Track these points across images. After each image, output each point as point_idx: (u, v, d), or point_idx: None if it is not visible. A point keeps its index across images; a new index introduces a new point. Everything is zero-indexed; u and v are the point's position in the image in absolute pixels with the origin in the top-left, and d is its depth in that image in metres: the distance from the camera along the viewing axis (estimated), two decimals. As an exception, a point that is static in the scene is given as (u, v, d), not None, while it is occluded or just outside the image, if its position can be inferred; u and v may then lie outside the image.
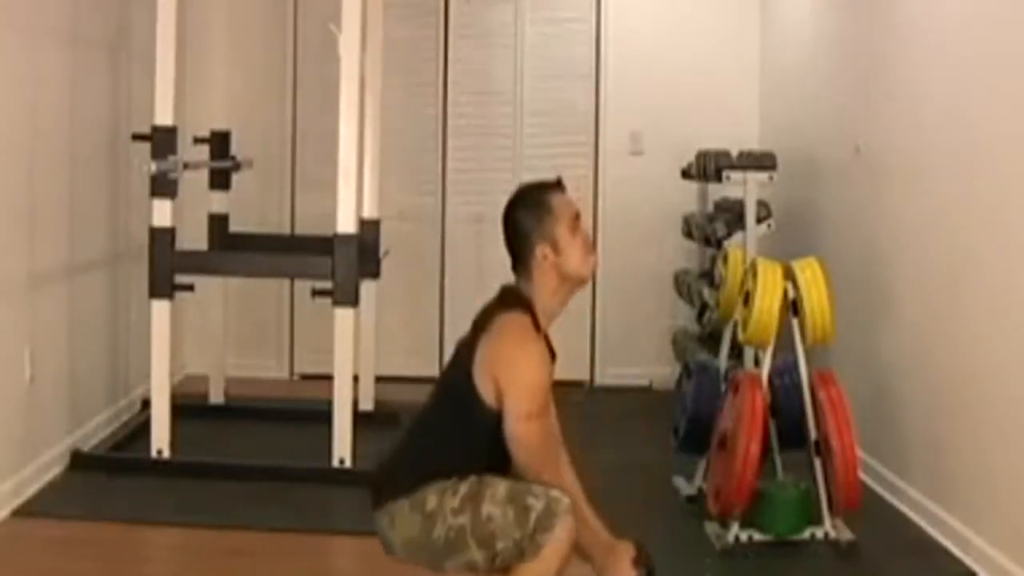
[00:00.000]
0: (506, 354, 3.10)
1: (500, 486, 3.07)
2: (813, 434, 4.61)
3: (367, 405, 6.34)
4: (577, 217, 3.23)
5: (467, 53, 7.51)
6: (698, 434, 4.99)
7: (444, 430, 3.19)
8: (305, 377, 7.46)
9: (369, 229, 6.24)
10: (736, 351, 5.36)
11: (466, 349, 3.17)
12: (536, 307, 3.17)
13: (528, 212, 3.20)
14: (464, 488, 3.08)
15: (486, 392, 3.09)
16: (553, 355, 3.20)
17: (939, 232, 4.82)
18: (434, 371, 7.08)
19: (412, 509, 3.11)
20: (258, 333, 7.51)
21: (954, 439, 4.66)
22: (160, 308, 5.38)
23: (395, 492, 3.16)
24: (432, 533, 3.08)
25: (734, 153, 6.17)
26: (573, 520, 3.05)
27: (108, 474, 5.34)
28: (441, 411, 3.24)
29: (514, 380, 3.07)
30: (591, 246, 3.26)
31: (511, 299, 3.19)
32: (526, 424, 3.06)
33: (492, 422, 3.09)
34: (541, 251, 3.16)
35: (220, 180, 6.43)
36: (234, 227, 6.48)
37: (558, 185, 3.26)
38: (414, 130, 7.48)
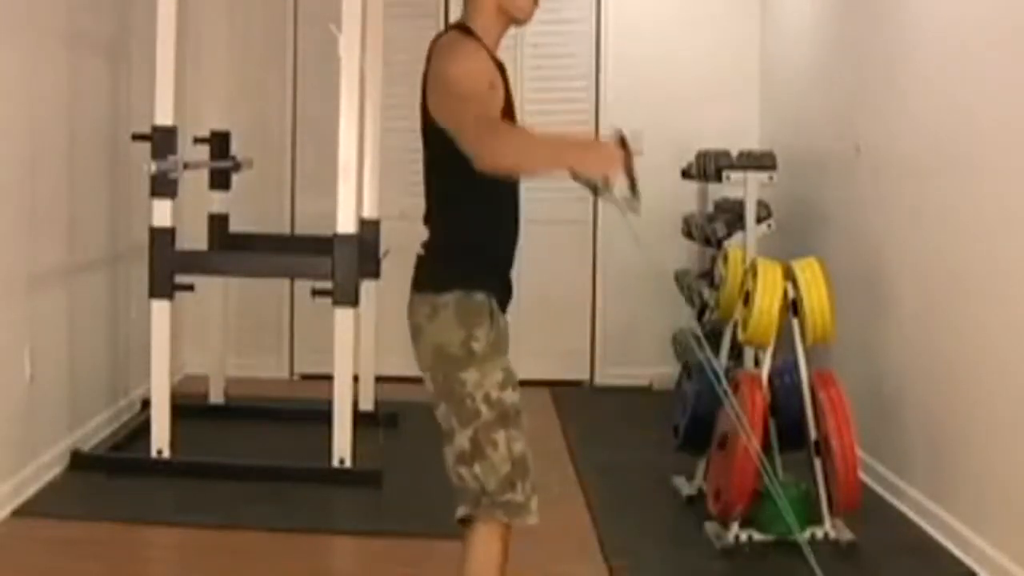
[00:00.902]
0: (443, 70, 3.09)
1: (520, 443, 3.04)
2: (813, 434, 4.62)
3: (367, 405, 6.34)
4: None
5: (467, 53, 7.50)
6: (698, 434, 4.99)
7: (448, 184, 3.17)
8: (305, 377, 7.46)
9: (369, 229, 6.24)
10: (736, 351, 5.36)
11: (423, 91, 3.16)
12: (478, 35, 3.15)
13: None
14: (510, 393, 3.03)
15: (440, 115, 3.08)
16: (502, 68, 3.18)
17: (939, 232, 4.82)
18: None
19: (459, 322, 3.06)
20: (258, 333, 7.51)
21: (954, 439, 4.66)
22: (160, 308, 5.38)
23: (443, 278, 3.11)
24: (460, 372, 3.05)
25: (734, 153, 6.17)
26: (508, 538, 3.04)
27: (108, 474, 5.34)
28: (436, 168, 3.23)
29: (448, 81, 3.05)
30: None
31: (450, 27, 3.20)
32: (480, 147, 2.95)
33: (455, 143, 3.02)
34: None
35: (220, 180, 6.44)
36: (234, 227, 6.48)
37: None
38: (414, 130, 7.43)
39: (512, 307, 3.25)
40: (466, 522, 3.07)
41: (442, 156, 3.14)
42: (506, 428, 3.03)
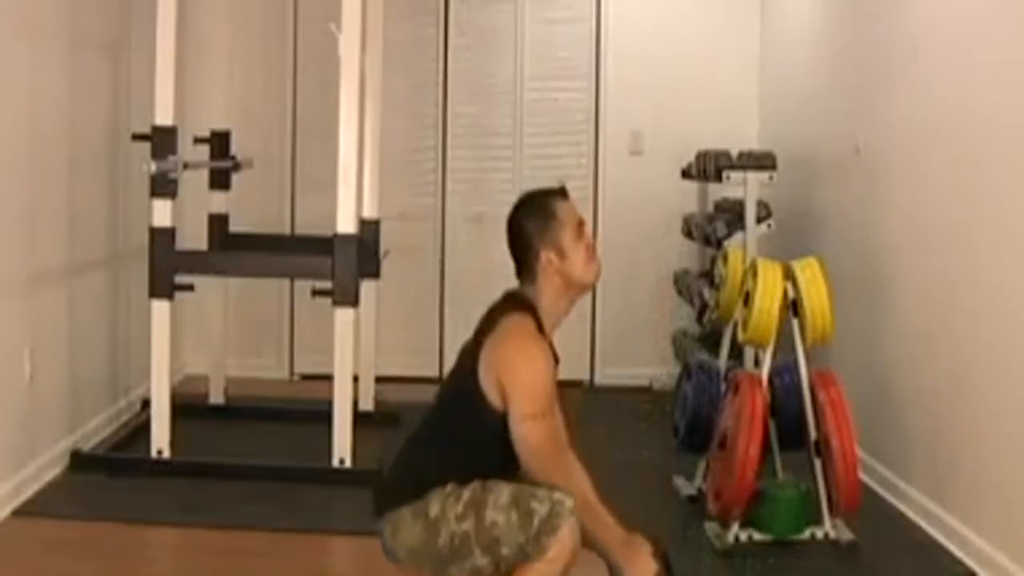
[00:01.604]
0: (510, 355, 3.12)
1: (504, 491, 3.08)
2: (813, 434, 4.61)
3: (367, 405, 6.34)
4: (581, 224, 3.27)
5: (467, 53, 7.52)
6: (698, 434, 5.00)
7: (450, 435, 3.20)
8: (305, 377, 7.46)
9: (369, 229, 6.23)
10: (736, 351, 5.36)
11: (469, 353, 3.19)
12: (540, 311, 3.20)
13: (533, 218, 3.23)
14: (467, 494, 3.09)
15: (491, 394, 3.11)
16: (556, 359, 3.21)
17: (939, 232, 4.82)
18: (434, 371, 7.11)
19: (415, 517, 3.12)
20: (258, 333, 7.50)
21: (954, 439, 4.66)
22: (160, 308, 5.38)
23: (398, 500, 3.17)
24: (436, 541, 3.09)
25: (734, 153, 6.17)
26: (576, 522, 3.07)
27: (108, 474, 5.34)
28: (446, 416, 3.25)
29: (518, 381, 3.09)
30: (594, 252, 3.28)
31: (515, 303, 3.21)
32: (531, 424, 3.07)
33: (497, 424, 3.10)
34: (546, 256, 3.19)
35: (220, 180, 6.43)
36: (234, 227, 6.48)
37: (562, 192, 3.30)
38: (414, 130, 7.48)
39: (512, 307, 3.25)
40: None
41: (463, 413, 3.19)
42: (485, 506, 3.06)
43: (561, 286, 3.22)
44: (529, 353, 3.12)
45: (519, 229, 3.24)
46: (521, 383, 3.09)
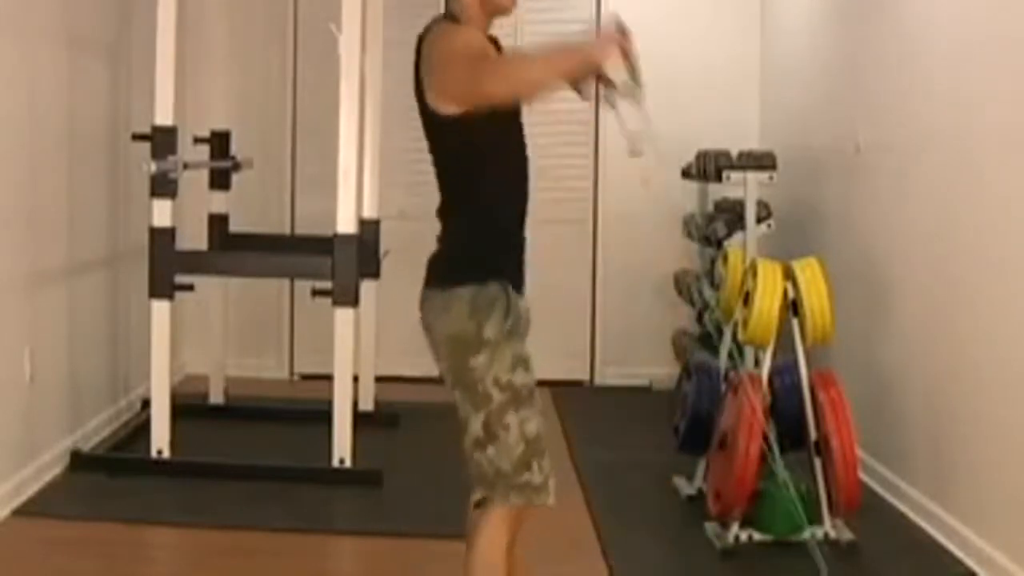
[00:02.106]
0: (436, 49, 3.08)
1: (534, 423, 3.05)
2: (813, 434, 4.62)
3: (367, 405, 6.34)
4: None
5: (467, 53, 7.50)
6: (698, 434, 4.99)
7: (454, 171, 3.18)
8: (305, 377, 7.46)
9: (369, 229, 6.24)
10: (736, 351, 5.36)
11: (417, 87, 3.15)
12: (464, 23, 3.15)
13: None
14: (520, 375, 3.05)
15: (444, 107, 3.07)
16: (498, 47, 3.15)
17: (939, 232, 4.82)
18: (434, 371, 7.09)
19: (471, 315, 3.08)
20: (258, 333, 7.51)
21: (954, 439, 4.66)
22: (160, 308, 5.38)
23: (454, 274, 3.15)
24: (472, 358, 3.06)
25: (734, 153, 6.17)
26: (521, 517, 3.06)
27: (108, 474, 5.34)
28: (441, 164, 3.22)
29: (437, 61, 3.04)
30: None
31: (437, 19, 3.19)
32: (473, 83, 2.96)
33: (458, 128, 3.06)
34: None
35: (220, 180, 6.43)
36: (234, 227, 6.48)
37: None
38: (414, 130, 7.43)
39: (512, 307, 3.25)
40: (481, 505, 3.08)
41: (445, 147, 3.16)
42: (518, 410, 3.04)
43: (476, 3, 3.16)
44: (447, 33, 3.08)
45: None
46: (438, 61, 3.04)
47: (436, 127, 3.14)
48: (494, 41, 3.18)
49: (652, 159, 3.03)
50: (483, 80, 2.96)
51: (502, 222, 3.19)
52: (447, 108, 3.06)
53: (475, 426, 3.06)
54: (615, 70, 2.99)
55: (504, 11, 3.22)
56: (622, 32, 3.02)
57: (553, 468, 3.09)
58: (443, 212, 3.25)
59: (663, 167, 2.88)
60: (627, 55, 3.02)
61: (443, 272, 3.20)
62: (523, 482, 3.03)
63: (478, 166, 3.10)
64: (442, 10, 3.30)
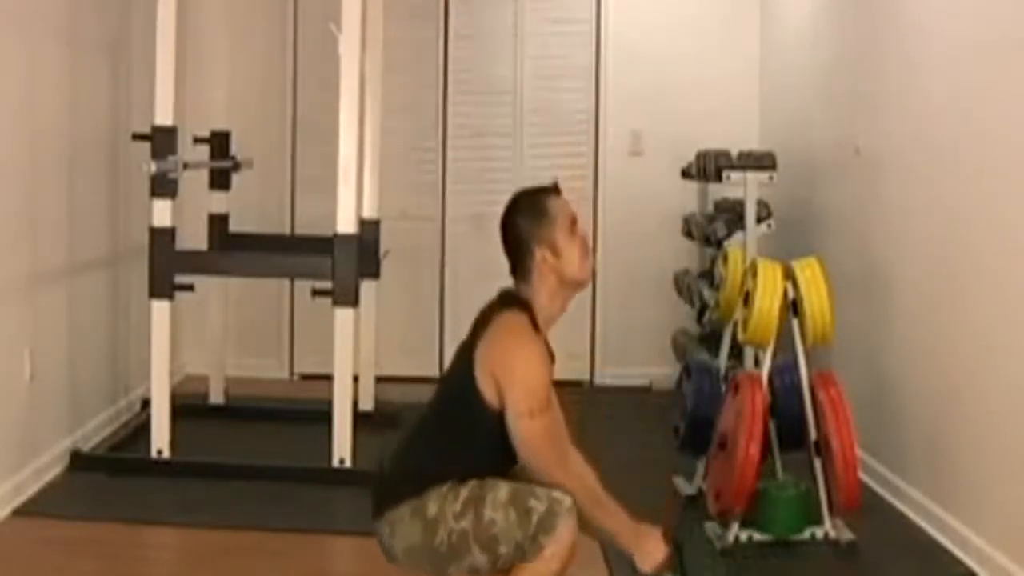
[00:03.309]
0: (505, 352, 3.12)
1: (501, 489, 3.08)
2: (813, 434, 4.61)
3: (367, 405, 6.34)
4: (574, 221, 3.25)
5: (467, 53, 7.52)
6: (698, 434, 4.99)
7: (447, 435, 3.20)
8: (305, 377, 7.46)
9: (369, 229, 6.23)
10: (736, 351, 5.36)
11: (466, 351, 3.19)
12: (535, 309, 3.19)
13: (526, 216, 3.22)
14: (465, 492, 3.09)
15: (487, 392, 3.11)
16: (552, 357, 3.21)
17: (939, 232, 4.82)
18: (434, 371, 7.11)
19: (413, 516, 3.11)
20: (258, 333, 7.51)
21: (954, 439, 4.66)
22: (160, 308, 5.38)
23: (395, 499, 3.16)
24: (434, 539, 3.09)
25: (734, 153, 6.17)
26: (575, 520, 3.07)
27: (108, 474, 5.34)
28: (443, 414, 3.24)
29: (514, 378, 3.08)
30: (589, 249, 3.28)
31: (510, 300, 3.21)
32: (528, 421, 3.07)
33: (494, 423, 3.10)
34: (540, 254, 3.19)
35: (220, 180, 6.43)
36: (234, 227, 6.48)
37: (555, 189, 3.29)
38: (414, 130, 7.48)
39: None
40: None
41: (461, 412, 3.18)
42: (483, 504, 3.06)
43: (556, 284, 3.21)
44: (524, 350, 3.12)
45: (513, 227, 3.23)
46: (517, 381, 3.08)
47: (469, 397, 3.14)
48: (548, 347, 3.21)
49: None
50: (548, 465, 3.12)
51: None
52: (492, 399, 3.11)
53: (481, 557, 3.07)
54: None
55: (581, 287, 3.28)
56: (670, 540, 3.19)
57: (545, 488, 3.09)
58: (417, 455, 3.25)
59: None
60: (672, 567, 3.19)
61: (385, 498, 3.20)
62: (536, 524, 3.03)
63: (480, 447, 3.14)
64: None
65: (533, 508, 3.04)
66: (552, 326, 3.26)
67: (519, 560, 3.05)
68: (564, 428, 3.32)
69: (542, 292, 3.20)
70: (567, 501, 3.06)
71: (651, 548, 3.16)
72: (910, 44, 5.16)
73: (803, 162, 6.44)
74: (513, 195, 3.32)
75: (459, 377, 3.18)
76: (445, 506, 3.08)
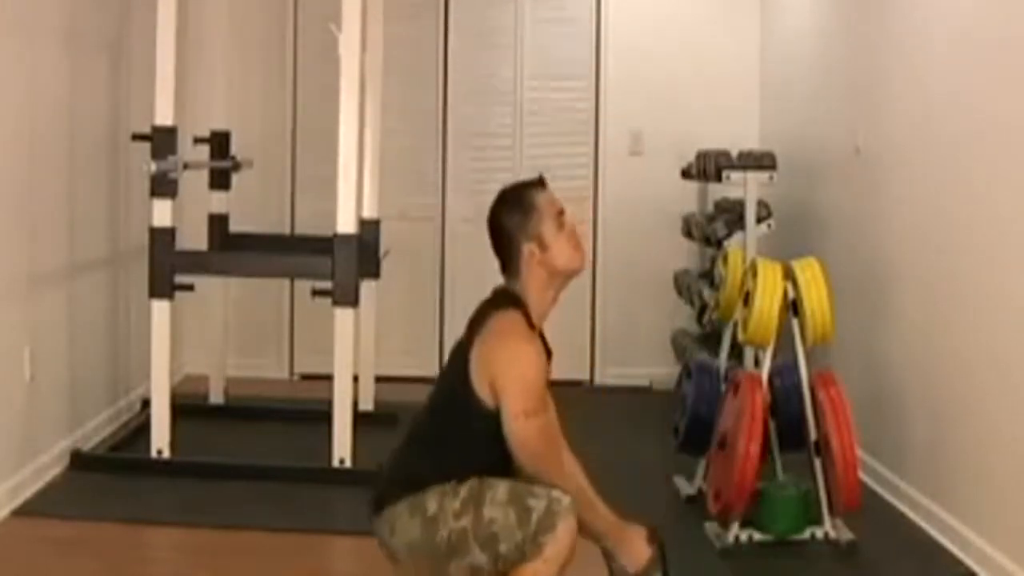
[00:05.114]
0: (500, 352, 3.11)
1: (500, 487, 3.08)
2: (813, 434, 4.62)
3: (367, 405, 6.34)
4: (561, 212, 3.24)
5: (467, 53, 7.52)
6: (698, 434, 5.00)
7: (444, 435, 3.20)
8: (305, 377, 7.46)
9: (369, 229, 6.23)
10: (736, 351, 5.36)
11: (461, 351, 3.19)
12: (528, 305, 3.19)
13: (511, 212, 3.22)
14: (464, 491, 3.09)
15: (483, 392, 3.11)
16: (549, 352, 3.21)
17: (939, 232, 4.82)
18: (434, 371, 7.08)
19: (412, 514, 3.11)
20: (258, 333, 7.51)
21: (954, 439, 4.66)
22: (160, 308, 5.38)
23: (393, 498, 3.16)
24: (434, 537, 3.09)
25: (734, 153, 6.17)
26: (575, 519, 3.07)
27: (108, 474, 5.34)
28: (439, 415, 3.24)
29: (509, 378, 3.08)
30: (578, 239, 3.26)
31: (503, 299, 3.21)
32: (524, 422, 3.07)
33: (491, 422, 3.10)
34: (528, 249, 3.18)
35: (220, 180, 6.43)
36: (234, 227, 6.48)
37: (540, 183, 3.28)
38: (414, 130, 7.48)
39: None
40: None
41: (457, 414, 3.17)
42: (483, 503, 3.06)
43: (546, 277, 3.20)
44: (519, 350, 3.11)
45: (499, 225, 3.23)
46: (512, 381, 3.08)
47: (464, 397, 3.14)
48: (544, 341, 3.21)
49: None
50: (543, 465, 3.11)
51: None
52: (488, 399, 3.11)
53: (480, 556, 3.07)
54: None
55: (573, 276, 3.27)
56: (655, 542, 3.20)
57: (544, 487, 3.09)
58: (415, 457, 3.25)
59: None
60: (657, 569, 3.21)
61: (383, 498, 3.21)
62: (535, 523, 3.03)
63: (478, 445, 3.14)
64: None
65: (532, 507, 3.04)
66: (548, 321, 3.25)
67: (519, 559, 3.05)
68: (559, 428, 3.31)
69: (532, 287, 3.20)
70: (566, 500, 3.06)
71: (637, 549, 3.18)
72: (910, 44, 5.16)
73: (803, 162, 6.44)
74: (498, 192, 3.31)
75: (455, 378, 3.17)
76: (445, 504, 3.08)
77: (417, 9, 7.46)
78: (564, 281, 3.25)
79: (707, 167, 6.29)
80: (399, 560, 3.20)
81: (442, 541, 3.08)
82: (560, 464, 3.20)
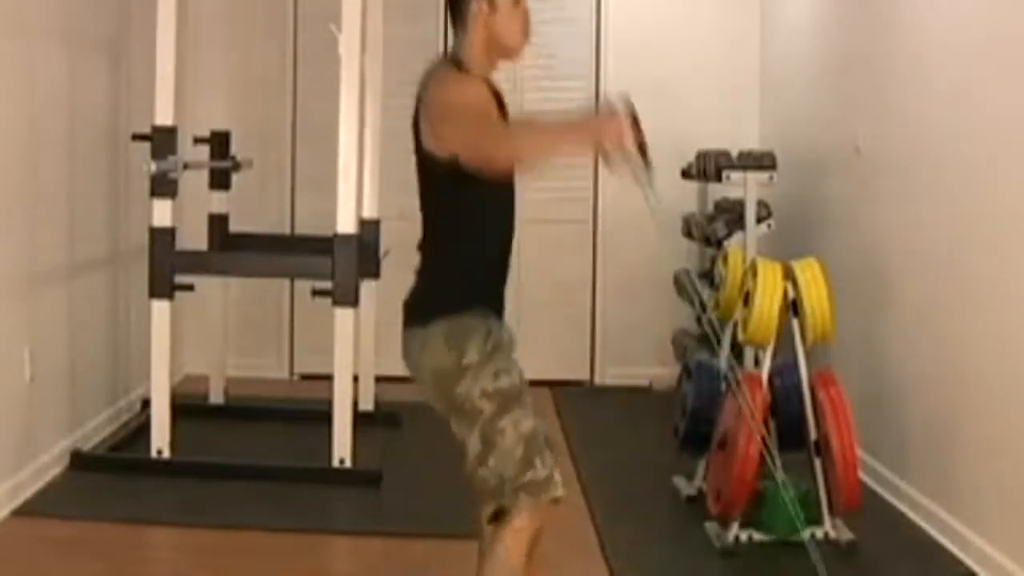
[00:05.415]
0: (438, 96, 3.09)
1: (528, 421, 3.06)
2: (813, 434, 4.62)
3: (367, 405, 6.34)
4: None
5: (467, 53, 7.51)
6: (698, 434, 5.00)
7: (442, 214, 3.21)
8: (305, 377, 7.46)
9: (369, 229, 6.24)
10: (736, 351, 5.36)
11: (414, 125, 3.16)
12: (468, 65, 3.16)
13: None
14: (505, 380, 3.06)
15: (439, 148, 3.08)
16: (499, 98, 3.16)
17: (939, 232, 4.82)
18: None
19: (449, 347, 3.08)
20: (258, 333, 7.51)
21: (954, 439, 4.66)
22: (160, 308, 5.38)
23: (426, 315, 3.13)
24: (456, 386, 3.06)
25: (734, 153, 6.17)
26: (544, 514, 3.06)
27: (108, 474, 5.34)
28: (429, 201, 3.24)
29: (447, 107, 3.05)
30: (529, 25, 3.22)
31: (440, 64, 3.21)
32: (455, 129, 3.02)
33: (459, 174, 3.04)
34: (477, 5, 3.15)
35: (220, 180, 6.43)
36: (234, 227, 6.48)
37: None
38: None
39: (513, 306, 3.25)
40: (495, 520, 3.07)
41: (436, 186, 3.18)
42: (509, 413, 3.05)
43: (485, 39, 3.16)
44: (455, 86, 3.08)
45: None
46: (450, 107, 3.05)
47: (429, 166, 3.15)
48: (497, 94, 3.18)
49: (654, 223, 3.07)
50: (486, 145, 2.99)
51: (489, 255, 3.20)
52: (444, 153, 3.08)
53: (473, 442, 3.06)
54: (622, 151, 3.02)
55: (510, 55, 3.23)
56: (631, 112, 3.04)
57: (557, 461, 3.10)
58: (427, 247, 3.27)
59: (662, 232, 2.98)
60: (637, 138, 3.06)
61: (419, 310, 3.19)
62: (528, 480, 3.03)
63: (469, 203, 3.12)
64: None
65: (536, 465, 3.03)
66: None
67: (489, 490, 3.03)
68: (500, 120, 3.19)
69: (475, 43, 3.17)
70: (559, 494, 3.05)
71: (613, 123, 3.01)
72: (910, 44, 5.17)
73: (803, 162, 6.44)
74: None
75: (419, 157, 3.16)
76: (481, 372, 3.05)
77: (417, 9, 7.46)
78: (499, 55, 3.21)
79: (707, 167, 6.29)
80: (422, 380, 3.16)
81: (460, 396, 3.06)
82: (501, 137, 3.08)
